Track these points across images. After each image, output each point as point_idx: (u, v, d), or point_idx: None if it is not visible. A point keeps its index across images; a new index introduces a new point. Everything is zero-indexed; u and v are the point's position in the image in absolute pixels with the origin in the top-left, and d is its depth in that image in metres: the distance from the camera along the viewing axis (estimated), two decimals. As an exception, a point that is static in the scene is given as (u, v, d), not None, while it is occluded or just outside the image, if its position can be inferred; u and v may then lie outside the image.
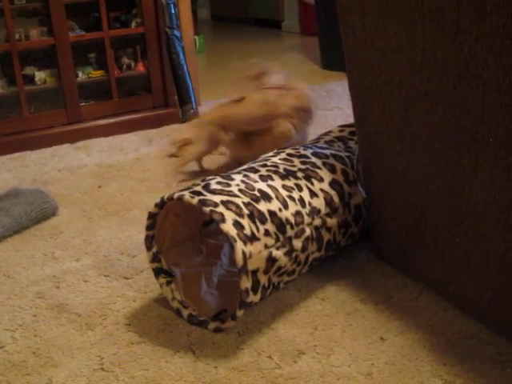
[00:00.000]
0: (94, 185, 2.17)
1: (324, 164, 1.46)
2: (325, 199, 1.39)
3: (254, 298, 1.23)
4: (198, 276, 1.39)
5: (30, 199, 1.89)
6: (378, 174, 1.39)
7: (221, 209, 1.22)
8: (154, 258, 1.37)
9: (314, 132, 2.14)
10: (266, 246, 1.24)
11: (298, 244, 1.30)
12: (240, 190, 1.29)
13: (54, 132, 2.68)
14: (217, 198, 1.24)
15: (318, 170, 1.44)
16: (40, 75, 2.72)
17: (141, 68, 2.91)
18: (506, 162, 1.03)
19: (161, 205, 1.31)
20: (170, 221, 1.37)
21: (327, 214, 1.39)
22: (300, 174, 1.40)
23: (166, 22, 2.78)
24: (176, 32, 2.81)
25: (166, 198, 1.29)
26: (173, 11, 2.78)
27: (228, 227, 1.20)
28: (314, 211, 1.36)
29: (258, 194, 1.29)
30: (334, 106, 2.99)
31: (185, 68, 2.85)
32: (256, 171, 1.39)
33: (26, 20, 2.68)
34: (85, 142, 2.67)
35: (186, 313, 1.32)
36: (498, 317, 1.19)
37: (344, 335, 1.24)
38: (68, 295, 1.45)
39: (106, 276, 1.53)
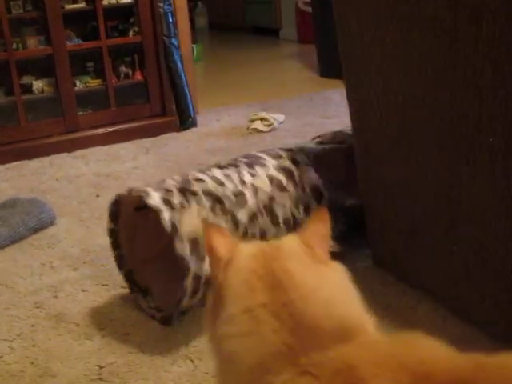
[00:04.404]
0: (91, 194, 2.17)
1: (267, 154, 1.49)
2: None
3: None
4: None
5: (28, 209, 1.89)
6: (375, 181, 1.39)
7: (149, 190, 1.28)
8: (127, 277, 1.42)
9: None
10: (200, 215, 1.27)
11: (243, 216, 1.33)
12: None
13: (52, 141, 2.68)
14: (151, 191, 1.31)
15: (261, 159, 1.46)
16: (38, 84, 2.72)
17: (138, 77, 2.91)
18: (503, 168, 1.03)
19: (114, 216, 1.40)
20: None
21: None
22: (242, 161, 1.44)
23: (164, 30, 2.78)
24: (174, 41, 2.81)
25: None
26: (170, 20, 2.79)
27: (153, 201, 1.25)
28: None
29: (192, 181, 1.33)
30: (332, 114, 2.99)
31: (183, 77, 2.85)
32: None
33: (24, 29, 2.69)
34: (82, 151, 2.67)
35: (158, 316, 1.34)
36: (498, 324, 1.18)
37: (343, 343, 1.23)
38: (66, 305, 1.45)
39: (104, 285, 1.52)
